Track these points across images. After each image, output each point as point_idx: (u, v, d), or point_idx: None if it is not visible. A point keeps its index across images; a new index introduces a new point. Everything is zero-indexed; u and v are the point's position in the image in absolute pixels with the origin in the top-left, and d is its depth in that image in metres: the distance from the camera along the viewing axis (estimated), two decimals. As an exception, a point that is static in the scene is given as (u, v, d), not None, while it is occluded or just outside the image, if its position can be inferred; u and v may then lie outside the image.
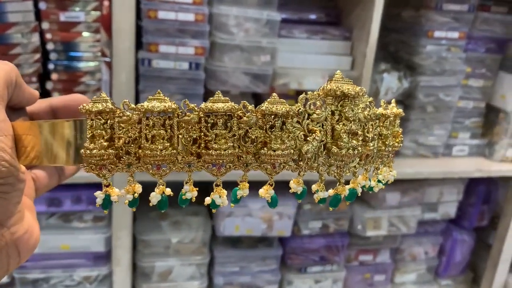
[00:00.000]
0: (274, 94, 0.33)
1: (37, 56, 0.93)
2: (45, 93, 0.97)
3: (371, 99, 0.36)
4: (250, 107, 0.32)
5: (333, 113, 0.34)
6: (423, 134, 1.27)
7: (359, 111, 0.35)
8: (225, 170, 0.33)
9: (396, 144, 0.40)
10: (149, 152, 0.31)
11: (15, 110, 0.36)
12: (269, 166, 0.33)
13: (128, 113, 0.32)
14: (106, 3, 0.93)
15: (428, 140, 1.28)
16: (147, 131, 0.31)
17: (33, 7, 0.90)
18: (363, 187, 0.38)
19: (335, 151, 0.34)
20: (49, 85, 0.96)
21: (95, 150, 0.31)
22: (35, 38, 0.92)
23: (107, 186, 0.33)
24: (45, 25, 0.92)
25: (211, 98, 0.32)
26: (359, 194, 0.37)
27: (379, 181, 0.39)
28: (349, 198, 0.37)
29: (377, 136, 0.37)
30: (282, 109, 0.32)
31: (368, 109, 0.35)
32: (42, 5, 0.90)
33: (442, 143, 1.30)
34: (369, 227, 1.29)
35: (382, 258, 1.38)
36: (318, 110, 0.34)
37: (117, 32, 0.92)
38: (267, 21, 1.02)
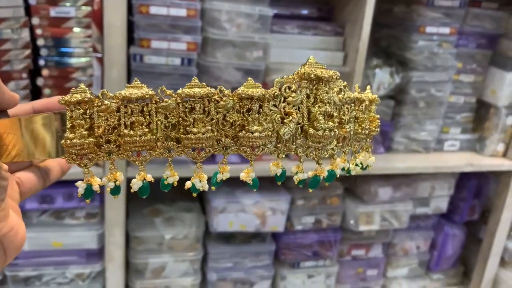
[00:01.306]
0: (249, 78, 0.34)
1: (28, 52, 0.92)
2: (36, 90, 0.96)
3: (345, 83, 0.37)
4: (227, 91, 0.33)
5: (308, 96, 0.35)
6: (415, 129, 1.28)
7: (334, 94, 0.36)
8: (205, 154, 0.34)
9: (373, 128, 0.41)
10: (129, 139, 0.32)
11: None
12: (248, 149, 0.34)
13: (106, 102, 0.32)
14: (97, -2, 0.93)
15: (419, 135, 1.29)
16: (126, 118, 0.32)
17: (23, 2, 0.89)
18: (342, 169, 0.39)
19: (312, 132, 0.35)
20: (40, 81, 0.95)
21: (75, 140, 0.32)
22: (25, 34, 0.91)
23: (88, 175, 0.33)
24: (35, 21, 0.91)
25: (188, 84, 0.33)
26: (338, 176, 0.38)
27: (357, 164, 0.40)
28: (328, 180, 0.38)
29: (353, 119, 0.38)
30: (258, 92, 0.33)
31: (342, 92, 0.37)
32: (32, 0, 0.90)
33: (434, 138, 1.31)
34: (362, 222, 1.30)
35: (374, 252, 1.39)
36: (293, 93, 0.35)
37: (108, 27, 0.91)
38: (259, 16, 1.01)
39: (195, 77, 0.33)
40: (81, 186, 0.33)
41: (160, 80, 0.99)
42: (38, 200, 1.04)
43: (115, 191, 0.34)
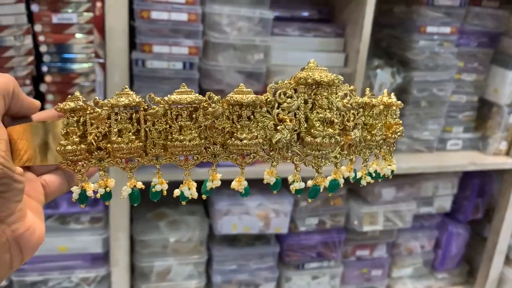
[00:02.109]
0: (241, 84, 0.33)
1: (31, 58, 0.93)
2: (39, 96, 0.97)
3: (352, 87, 0.35)
4: (216, 98, 0.33)
5: (306, 101, 0.34)
6: (417, 129, 1.28)
7: (338, 99, 0.34)
8: (193, 162, 0.33)
9: (390, 135, 0.39)
10: (116, 146, 0.32)
11: (16, 119, 0.37)
12: (238, 157, 0.33)
13: (98, 109, 0.32)
14: (98, 4, 0.93)
15: (422, 134, 1.29)
16: (115, 125, 0.32)
17: (26, 10, 0.89)
18: (347, 178, 0.37)
19: (309, 140, 0.33)
20: (43, 88, 0.96)
21: (68, 146, 0.33)
22: (28, 41, 0.91)
23: (82, 181, 0.34)
24: (37, 28, 0.91)
25: (176, 90, 0.32)
26: (342, 185, 0.37)
27: (369, 174, 0.38)
28: (330, 190, 0.36)
29: (361, 125, 0.36)
30: (247, 98, 0.32)
31: (348, 97, 0.35)
32: (35, 8, 0.90)
33: (436, 138, 1.31)
34: (366, 222, 1.30)
35: (378, 253, 1.39)
36: (289, 99, 0.33)
37: (110, 33, 0.92)
38: (260, 19, 1.02)
39: (183, 84, 0.33)
40: (75, 191, 0.34)
41: (162, 84, 0.99)
42: (43, 206, 1.05)
43: (106, 197, 0.34)
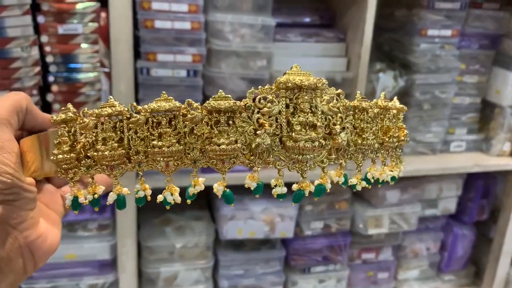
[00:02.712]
0: (220, 90, 0.34)
1: (37, 69, 0.94)
2: (46, 105, 0.98)
3: (339, 91, 0.35)
4: (196, 104, 0.33)
5: (287, 106, 0.33)
6: (421, 132, 1.28)
7: (323, 103, 0.34)
8: (173, 168, 0.34)
9: (387, 139, 0.38)
10: (101, 154, 0.34)
11: (33, 133, 0.39)
12: (218, 162, 0.34)
13: (86, 119, 0.34)
14: (103, 15, 0.95)
15: (425, 137, 1.29)
16: (100, 134, 0.34)
17: (32, 21, 0.91)
18: (337, 183, 0.37)
19: (291, 144, 0.33)
20: (49, 97, 0.97)
21: (59, 155, 0.35)
22: (35, 52, 0.93)
23: (74, 189, 0.35)
24: (44, 38, 0.93)
25: (156, 99, 0.33)
26: (328, 190, 0.36)
27: (365, 179, 0.38)
28: (316, 194, 0.36)
29: (350, 129, 0.36)
30: (225, 104, 0.32)
31: (334, 101, 0.35)
32: (41, 19, 0.92)
33: (440, 140, 1.31)
34: (371, 225, 1.31)
35: (384, 255, 1.40)
36: (269, 104, 0.33)
37: (115, 42, 0.93)
38: (262, 26, 1.03)
39: (163, 92, 0.34)
40: (68, 198, 0.36)
41: (167, 92, 1.00)
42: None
43: (94, 203, 0.36)
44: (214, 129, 0.33)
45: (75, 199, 0.35)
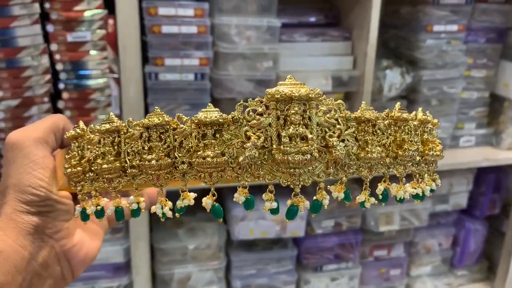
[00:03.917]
0: (209, 104, 0.33)
1: (48, 77, 0.96)
2: (57, 112, 1.00)
3: (339, 101, 0.34)
4: (185, 118, 0.34)
5: (278, 118, 0.32)
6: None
7: (320, 114, 0.33)
8: (164, 181, 0.34)
9: (401, 153, 0.35)
10: (99, 168, 0.35)
11: None
12: (206, 175, 0.33)
13: (91, 135, 0.36)
14: (111, 22, 0.96)
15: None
16: (101, 149, 0.35)
17: (41, 30, 0.93)
18: (343, 199, 0.35)
19: (279, 157, 0.32)
20: (60, 104, 0.99)
21: (69, 169, 0.37)
22: (45, 60, 0.95)
23: (83, 201, 0.37)
24: (53, 47, 0.95)
25: (149, 114, 0.34)
26: (326, 207, 0.34)
27: (373, 195, 0.36)
28: (313, 211, 0.34)
29: (352, 142, 0.34)
30: (211, 117, 0.32)
31: (332, 112, 0.33)
32: (50, 28, 0.93)
33: (449, 135, 1.31)
34: (382, 222, 1.31)
35: (396, 252, 1.39)
36: (257, 116, 0.32)
37: (123, 48, 0.95)
38: (268, 27, 1.04)
39: (156, 107, 0.34)
40: (77, 209, 0.37)
41: (175, 95, 1.02)
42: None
43: (98, 214, 0.37)
44: (200, 142, 0.33)
45: (84, 210, 0.37)
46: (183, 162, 0.34)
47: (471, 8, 1.21)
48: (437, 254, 1.46)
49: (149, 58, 0.99)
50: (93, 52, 0.97)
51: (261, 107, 0.33)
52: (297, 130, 0.32)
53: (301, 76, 1.10)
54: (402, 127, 0.36)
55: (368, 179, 0.35)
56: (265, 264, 1.27)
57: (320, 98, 0.33)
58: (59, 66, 0.96)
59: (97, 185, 0.36)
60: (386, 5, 1.18)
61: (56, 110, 1.00)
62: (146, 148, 0.34)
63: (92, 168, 0.36)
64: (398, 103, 0.37)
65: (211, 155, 0.32)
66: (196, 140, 0.33)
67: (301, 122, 0.32)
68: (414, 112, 0.38)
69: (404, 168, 0.37)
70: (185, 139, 0.33)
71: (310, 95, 0.32)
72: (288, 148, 0.32)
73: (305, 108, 0.32)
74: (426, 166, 0.39)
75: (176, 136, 0.34)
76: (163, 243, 1.18)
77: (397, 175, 0.37)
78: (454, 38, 1.22)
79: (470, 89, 1.30)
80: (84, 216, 0.37)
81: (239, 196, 0.34)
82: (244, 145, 0.32)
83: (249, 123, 0.33)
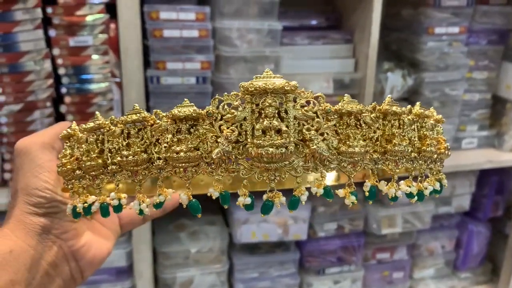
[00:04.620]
0: (185, 99, 0.33)
1: (50, 81, 0.96)
2: (59, 117, 1.00)
3: (319, 94, 0.33)
4: (162, 114, 0.34)
5: (253, 111, 0.32)
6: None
7: (298, 107, 0.32)
8: (142, 177, 0.34)
9: (389, 148, 0.34)
10: (83, 165, 0.36)
11: None
12: (181, 170, 0.33)
13: (80, 134, 0.37)
14: (112, 26, 0.97)
15: (436, 135, 1.29)
16: (85, 147, 0.36)
17: (44, 35, 0.93)
18: (324, 194, 0.33)
19: (253, 151, 0.31)
20: (63, 108, 0.99)
21: (59, 168, 0.37)
22: (47, 64, 0.95)
23: (73, 198, 0.37)
24: (55, 51, 0.95)
25: (128, 111, 0.34)
26: (303, 203, 0.33)
27: (353, 193, 0.34)
28: (290, 207, 0.33)
29: (332, 135, 0.33)
30: (185, 112, 0.32)
31: (311, 105, 0.32)
32: (52, 32, 0.94)
33: (451, 137, 1.31)
34: (384, 225, 1.30)
35: (399, 255, 1.39)
36: (232, 110, 0.32)
37: (125, 52, 0.95)
38: (269, 31, 1.04)
39: (135, 104, 0.35)
40: (68, 207, 0.38)
41: (177, 99, 1.02)
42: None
43: (86, 211, 0.37)
44: (175, 137, 0.33)
45: (74, 208, 0.37)
46: (159, 158, 0.33)
47: (472, 10, 1.21)
48: (440, 257, 1.45)
49: (151, 62, 1.00)
50: (95, 57, 0.97)
51: (236, 101, 0.32)
52: (270, 123, 0.31)
53: (304, 79, 1.10)
54: (392, 121, 0.34)
55: (353, 175, 0.33)
56: (267, 267, 1.26)
57: (297, 91, 0.32)
58: (61, 71, 0.97)
59: (84, 182, 0.36)
60: (388, 7, 1.18)
61: (58, 114, 1.00)
62: (124, 144, 0.34)
63: (80, 166, 0.36)
64: (389, 96, 0.36)
65: (184, 149, 0.32)
66: (171, 135, 0.33)
67: (276, 115, 0.31)
68: (409, 106, 0.36)
69: (395, 164, 0.35)
70: (161, 135, 0.33)
71: (285, 88, 0.31)
72: (261, 141, 0.31)
73: (282, 101, 0.32)
74: (426, 164, 0.37)
75: (153, 132, 0.34)
76: (166, 246, 1.18)
77: (388, 172, 0.35)
78: (456, 40, 1.22)
79: (472, 91, 1.30)
80: (75, 214, 0.37)
81: (213, 191, 0.33)
82: (218, 140, 0.32)
83: (224, 117, 0.32)
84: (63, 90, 0.97)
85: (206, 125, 0.32)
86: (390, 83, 1.21)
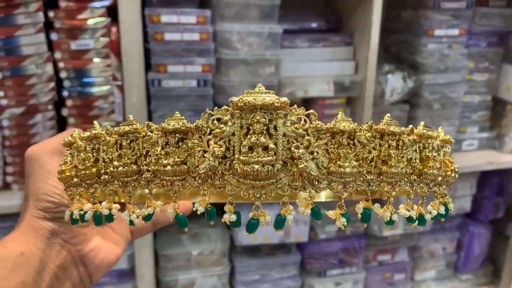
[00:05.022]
0: (177, 112, 0.33)
1: (52, 84, 0.97)
2: (61, 120, 1.01)
3: (311, 111, 0.32)
4: (154, 126, 0.33)
5: (242, 127, 0.31)
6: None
7: (288, 124, 0.31)
8: (131, 189, 0.34)
9: (385, 169, 0.32)
10: (80, 174, 0.36)
11: None
12: (168, 183, 0.33)
13: (80, 142, 0.37)
14: (114, 29, 0.97)
15: (436, 137, 1.29)
16: (82, 155, 0.36)
17: (45, 39, 0.94)
18: (313, 214, 0.33)
19: (239, 168, 0.31)
20: (64, 112, 1.00)
21: (59, 175, 0.38)
22: (49, 68, 0.96)
23: (71, 205, 0.38)
24: (57, 55, 0.95)
25: (122, 123, 0.34)
26: (290, 222, 0.32)
27: (344, 215, 0.33)
28: (276, 226, 0.33)
29: (322, 154, 0.32)
30: (174, 125, 0.32)
31: (302, 122, 0.32)
32: (54, 36, 0.94)
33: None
34: (385, 227, 1.31)
35: (400, 257, 1.39)
36: (221, 125, 0.31)
37: (126, 56, 0.95)
38: (269, 34, 1.05)
39: (129, 115, 0.35)
40: (66, 213, 0.38)
41: (178, 102, 1.02)
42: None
43: (82, 218, 0.37)
44: (163, 150, 0.33)
45: (72, 214, 0.37)
46: (148, 170, 0.33)
47: (471, 12, 1.21)
48: (441, 259, 1.46)
49: (152, 65, 1.00)
50: (96, 60, 0.97)
51: (226, 115, 0.32)
52: (257, 140, 0.30)
53: (304, 82, 1.11)
54: (389, 141, 0.33)
55: (344, 196, 0.33)
56: (269, 270, 1.27)
57: (288, 108, 0.31)
58: (63, 74, 0.97)
59: (81, 190, 0.37)
60: (387, 9, 1.18)
61: (60, 117, 1.00)
62: (116, 155, 0.34)
63: (77, 174, 0.37)
64: (388, 114, 0.34)
65: (171, 163, 0.32)
66: (160, 148, 0.33)
67: (264, 132, 0.31)
68: (410, 126, 0.34)
69: (391, 186, 0.33)
70: (152, 147, 0.33)
71: (275, 104, 0.30)
72: (248, 158, 0.30)
73: (272, 118, 0.31)
74: (428, 187, 0.35)
75: (144, 144, 0.34)
76: (167, 249, 1.19)
77: (384, 193, 0.33)
78: (455, 42, 1.22)
79: (472, 93, 1.31)
80: (72, 220, 0.37)
81: (199, 207, 0.33)
82: (205, 155, 0.31)
83: (213, 132, 0.31)
84: (65, 93, 0.98)
85: (194, 139, 0.32)
86: (390, 85, 1.21)
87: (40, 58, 0.94)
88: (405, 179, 0.33)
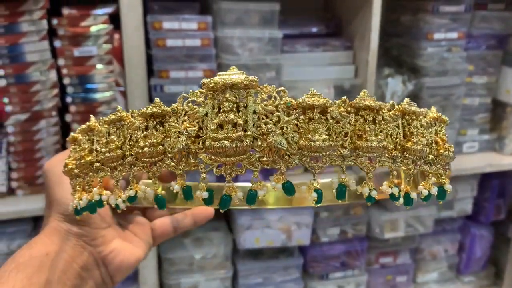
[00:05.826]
0: (156, 98, 0.35)
1: (55, 91, 0.98)
2: (65, 126, 1.02)
3: (281, 88, 0.33)
4: (137, 112, 0.35)
5: (214, 107, 0.32)
6: (432, 134, 1.29)
7: (258, 101, 0.32)
8: (118, 173, 0.36)
9: (360, 143, 0.32)
10: (78, 163, 0.38)
11: None
12: (147, 165, 0.34)
13: (81, 137, 0.39)
14: (116, 36, 0.98)
15: (437, 139, 1.30)
16: (81, 146, 0.39)
17: (49, 46, 0.95)
18: (274, 188, 0.33)
19: (209, 144, 0.31)
20: (68, 118, 1.01)
21: (64, 168, 0.40)
22: (53, 75, 0.97)
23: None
24: (61, 62, 0.97)
25: (112, 112, 0.37)
26: (260, 197, 0.33)
27: (317, 190, 0.33)
28: (248, 201, 0.33)
29: (292, 129, 0.32)
30: (151, 109, 0.34)
31: (272, 99, 0.32)
32: (57, 43, 0.96)
33: (452, 142, 1.31)
34: (387, 229, 1.31)
35: (402, 259, 1.40)
36: (195, 106, 0.33)
37: (129, 62, 0.96)
38: (270, 39, 1.06)
39: (118, 106, 0.37)
40: (70, 205, 0.40)
41: (180, 107, 1.03)
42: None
43: (82, 208, 0.39)
44: (143, 133, 0.34)
45: (76, 207, 0.39)
46: (131, 154, 0.35)
47: (470, 16, 1.22)
48: (443, 261, 1.46)
49: (154, 71, 1.01)
50: (99, 66, 0.99)
51: (201, 97, 0.33)
52: (226, 117, 0.31)
53: (305, 86, 1.12)
54: (365, 115, 0.33)
55: (316, 171, 0.32)
56: (271, 273, 1.27)
57: (258, 86, 0.32)
58: (66, 81, 0.98)
59: (79, 180, 0.39)
60: (387, 14, 1.19)
61: (64, 123, 1.02)
62: (104, 142, 0.36)
63: (76, 165, 0.39)
64: (365, 90, 0.34)
65: (148, 144, 0.33)
66: (140, 132, 0.34)
67: (234, 109, 0.32)
68: (391, 101, 0.35)
69: (369, 161, 0.33)
70: (134, 132, 0.35)
71: (244, 82, 0.31)
72: (217, 135, 0.31)
73: (242, 96, 0.32)
74: (414, 164, 0.34)
75: (129, 130, 0.35)
76: (170, 252, 1.20)
77: (361, 169, 0.33)
78: (455, 45, 1.23)
79: (472, 95, 1.31)
80: (76, 211, 0.39)
81: (177, 187, 0.34)
82: (179, 135, 0.33)
83: (187, 114, 0.33)
84: (68, 99, 0.99)
85: (171, 122, 0.33)
86: (391, 89, 1.22)
87: (44, 65, 0.96)
88: (386, 154, 0.33)
